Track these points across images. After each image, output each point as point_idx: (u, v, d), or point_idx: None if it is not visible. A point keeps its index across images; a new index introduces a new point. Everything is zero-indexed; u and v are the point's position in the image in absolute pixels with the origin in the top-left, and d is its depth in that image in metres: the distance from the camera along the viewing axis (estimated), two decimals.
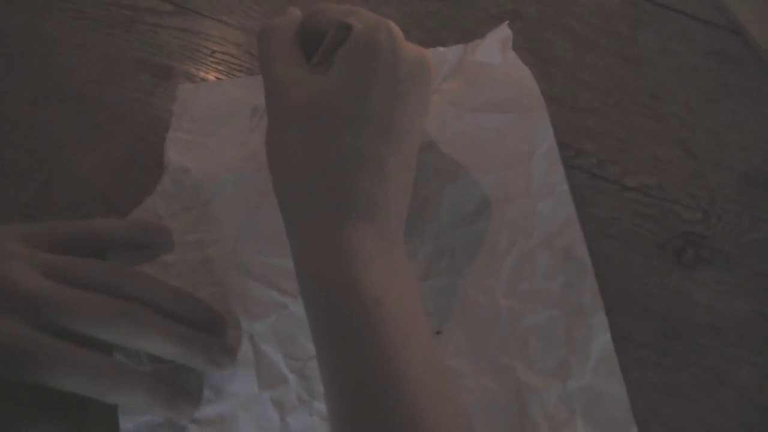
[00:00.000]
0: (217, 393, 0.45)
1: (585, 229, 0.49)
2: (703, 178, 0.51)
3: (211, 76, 0.53)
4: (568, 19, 0.56)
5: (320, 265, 0.39)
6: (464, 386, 0.45)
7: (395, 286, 0.39)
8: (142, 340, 0.43)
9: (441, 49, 0.54)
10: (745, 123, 0.53)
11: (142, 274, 0.45)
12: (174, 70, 0.53)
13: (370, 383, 0.36)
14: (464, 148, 0.51)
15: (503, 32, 0.52)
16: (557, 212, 0.49)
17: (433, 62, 0.45)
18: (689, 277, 0.49)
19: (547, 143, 0.51)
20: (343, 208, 0.40)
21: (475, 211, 0.49)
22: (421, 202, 0.49)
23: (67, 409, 0.44)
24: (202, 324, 0.45)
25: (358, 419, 0.36)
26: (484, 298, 0.47)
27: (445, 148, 0.51)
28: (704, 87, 0.54)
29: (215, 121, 0.52)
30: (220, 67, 0.54)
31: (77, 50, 0.54)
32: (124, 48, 0.54)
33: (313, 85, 0.42)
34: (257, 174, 0.50)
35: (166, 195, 0.50)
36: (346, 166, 0.40)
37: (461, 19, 0.56)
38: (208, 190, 0.50)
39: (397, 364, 0.37)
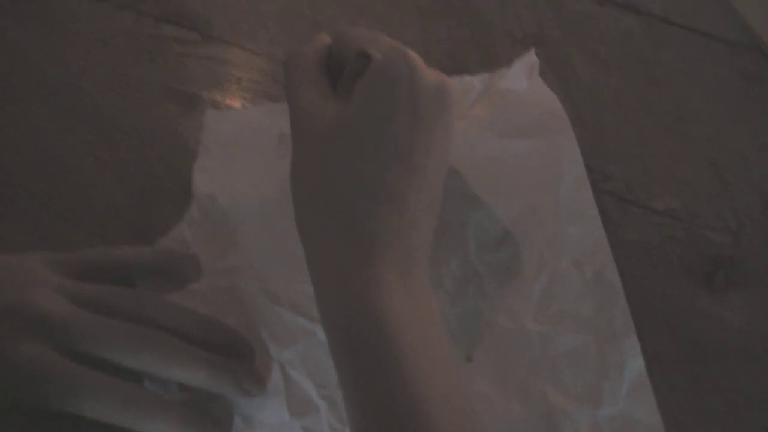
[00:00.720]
0: (248, 422, 0.45)
1: (613, 252, 0.49)
2: (730, 200, 0.51)
3: (236, 104, 0.54)
4: (591, 42, 0.56)
5: (341, 298, 0.39)
6: (492, 411, 0.45)
7: (417, 318, 0.39)
8: (170, 367, 0.43)
9: (467, 77, 0.54)
10: None
11: (170, 302, 0.45)
12: (200, 99, 0.54)
13: (390, 416, 0.36)
14: (491, 173, 0.51)
15: (530, 59, 0.52)
16: (587, 236, 0.49)
17: (455, 88, 0.44)
18: (719, 300, 0.48)
19: (575, 168, 0.51)
20: (364, 240, 0.40)
21: (502, 236, 0.49)
22: (447, 227, 0.49)
23: None
24: (231, 351, 0.45)
25: None
26: (513, 322, 0.47)
27: (473, 173, 0.51)
28: (730, 108, 0.54)
29: (242, 148, 0.52)
30: (246, 95, 0.54)
31: (102, 79, 0.54)
32: (149, 77, 0.54)
33: (335, 115, 0.42)
34: (284, 201, 0.50)
35: (194, 223, 0.50)
36: (366, 198, 0.40)
37: (485, 44, 0.56)
38: (236, 218, 0.50)
39: (419, 398, 0.36)
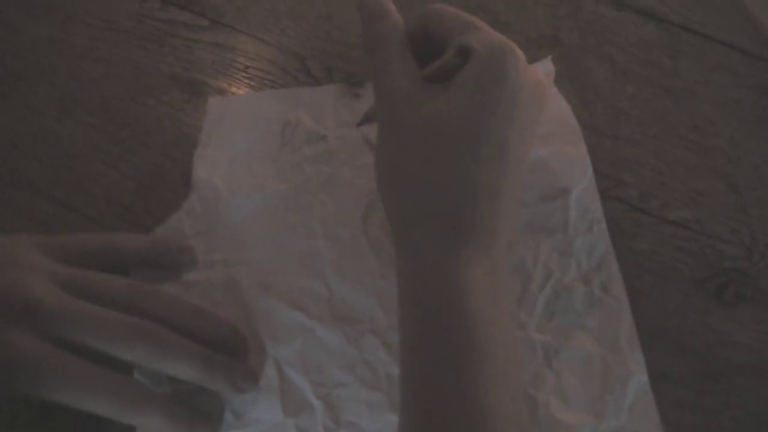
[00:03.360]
0: (239, 418, 0.44)
1: (623, 262, 0.47)
2: (745, 214, 0.50)
3: (242, 92, 0.52)
4: (609, 47, 0.55)
5: (433, 292, 0.39)
6: None
7: (500, 320, 0.39)
8: (161, 360, 0.41)
9: None
10: None
11: (164, 293, 0.44)
12: (206, 86, 0.52)
13: (461, 414, 0.36)
14: None
15: (546, 67, 0.51)
16: (595, 249, 0.48)
17: (548, 88, 0.44)
18: (730, 316, 0.47)
19: (586, 180, 0.49)
20: (459, 235, 0.40)
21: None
22: None
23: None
24: (225, 345, 0.44)
25: None
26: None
27: None
28: (747, 120, 0.53)
29: (245, 136, 0.50)
30: (253, 83, 0.53)
31: (106, 63, 0.53)
32: (155, 62, 0.53)
33: (434, 105, 0.41)
34: (288, 192, 0.49)
35: (193, 213, 0.48)
36: (465, 192, 0.40)
37: None
38: (236, 209, 0.49)
39: (491, 399, 0.36)
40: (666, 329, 0.47)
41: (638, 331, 0.46)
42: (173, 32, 0.54)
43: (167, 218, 0.48)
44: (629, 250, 0.49)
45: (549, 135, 0.50)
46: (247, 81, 0.53)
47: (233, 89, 0.52)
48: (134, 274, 0.47)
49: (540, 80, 0.44)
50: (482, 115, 0.40)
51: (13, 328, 0.40)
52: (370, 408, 0.44)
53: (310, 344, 0.45)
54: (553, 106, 0.51)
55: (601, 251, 0.48)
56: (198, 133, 0.50)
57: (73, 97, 0.52)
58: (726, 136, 0.52)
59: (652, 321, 0.47)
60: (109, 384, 0.40)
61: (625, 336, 0.46)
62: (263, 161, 0.50)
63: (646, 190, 0.50)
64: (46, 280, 0.42)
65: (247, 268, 0.47)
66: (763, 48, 0.55)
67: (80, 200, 0.49)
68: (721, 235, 0.49)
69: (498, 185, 0.41)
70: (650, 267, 0.48)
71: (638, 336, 0.46)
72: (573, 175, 0.50)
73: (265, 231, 0.48)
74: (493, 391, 0.37)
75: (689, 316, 0.47)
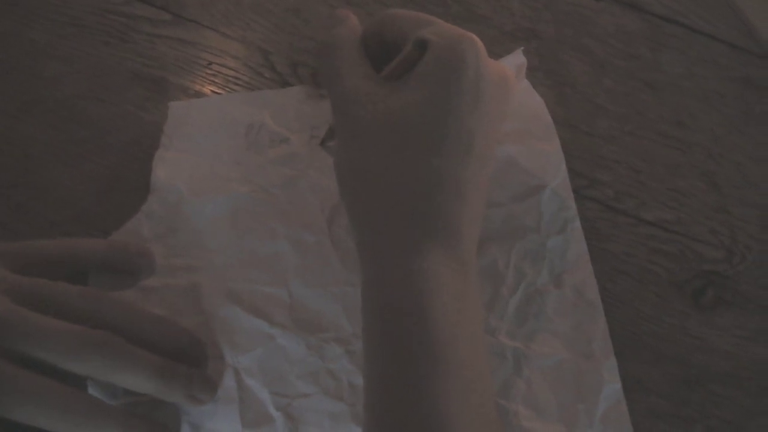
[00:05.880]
0: (197, 430, 0.43)
1: (597, 265, 0.46)
2: (726, 214, 0.48)
3: (206, 90, 0.51)
4: (587, 39, 0.53)
5: (393, 293, 0.38)
6: None
7: (466, 320, 0.38)
8: (114, 372, 0.40)
9: None
10: None
11: (119, 301, 0.43)
12: (168, 83, 0.51)
13: (421, 425, 0.35)
14: None
15: (517, 59, 0.48)
16: (569, 250, 0.46)
17: (514, 79, 0.43)
18: (707, 321, 0.46)
19: (559, 177, 0.48)
20: (423, 232, 0.38)
21: (480, 246, 0.46)
22: None
23: None
24: (183, 355, 0.43)
25: None
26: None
27: None
28: (730, 115, 0.51)
29: (208, 139, 0.49)
30: (216, 80, 0.51)
31: (66, 59, 0.51)
32: (117, 58, 0.51)
33: (391, 101, 0.40)
34: (251, 195, 0.47)
35: (152, 216, 0.47)
36: (428, 188, 0.39)
37: None
38: (198, 211, 0.47)
39: (454, 408, 0.35)
40: (641, 335, 0.45)
41: (612, 336, 0.45)
42: (136, 27, 0.52)
43: (126, 222, 0.47)
44: (604, 252, 0.47)
45: (521, 131, 0.48)
46: (210, 78, 0.51)
47: (196, 86, 0.51)
48: (92, 280, 0.45)
49: (505, 73, 0.42)
50: (442, 106, 0.39)
51: None
52: (333, 419, 0.43)
53: (271, 353, 0.44)
54: (526, 102, 0.49)
55: (575, 252, 0.46)
56: (159, 133, 0.49)
57: (33, 96, 0.50)
58: (708, 131, 0.50)
59: (627, 326, 0.46)
60: (60, 399, 0.39)
61: (598, 342, 0.45)
62: (227, 164, 0.48)
63: (623, 189, 0.49)
64: None
65: (208, 273, 0.46)
66: (748, 40, 0.53)
67: (38, 203, 0.48)
68: (701, 236, 0.48)
69: (463, 179, 0.39)
70: (625, 270, 0.47)
71: (612, 342, 0.45)
72: (546, 173, 0.48)
73: (227, 235, 0.47)
74: (457, 400, 0.35)
75: (665, 321, 0.46)
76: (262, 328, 0.45)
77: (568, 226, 0.47)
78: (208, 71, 0.51)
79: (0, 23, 0.52)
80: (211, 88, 0.51)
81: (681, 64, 0.52)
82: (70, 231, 0.47)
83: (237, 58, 0.51)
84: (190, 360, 0.43)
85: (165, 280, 0.46)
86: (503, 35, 0.53)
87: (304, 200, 0.47)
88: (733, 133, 0.50)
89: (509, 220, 0.47)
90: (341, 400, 0.43)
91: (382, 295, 0.38)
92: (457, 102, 0.39)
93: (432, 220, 0.38)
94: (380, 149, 0.39)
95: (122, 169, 0.48)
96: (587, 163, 0.49)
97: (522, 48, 0.49)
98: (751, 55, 0.53)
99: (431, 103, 0.39)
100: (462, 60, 0.39)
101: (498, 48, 0.52)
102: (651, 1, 0.54)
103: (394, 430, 0.36)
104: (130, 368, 0.40)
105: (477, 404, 0.36)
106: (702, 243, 0.47)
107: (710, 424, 0.43)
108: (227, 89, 0.51)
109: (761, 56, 0.53)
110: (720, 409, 0.44)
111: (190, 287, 0.46)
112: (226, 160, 0.48)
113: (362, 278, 0.40)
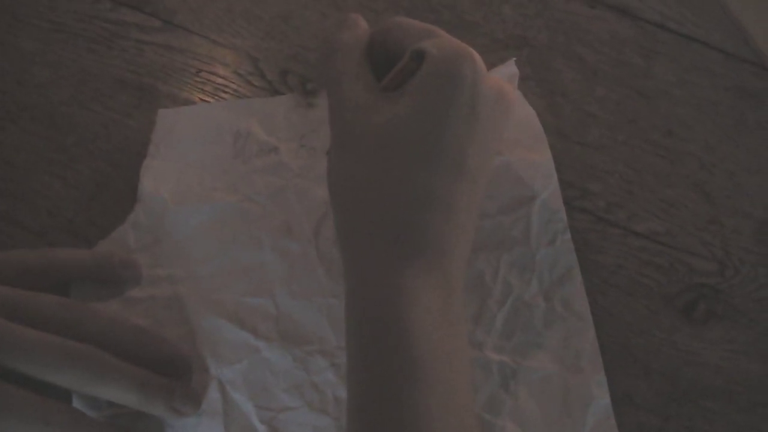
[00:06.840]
0: None
1: (587, 277, 0.45)
2: (718, 225, 0.48)
3: (195, 97, 0.50)
4: (579, 47, 0.52)
5: (371, 307, 0.37)
6: None
7: (449, 339, 0.37)
8: (96, 385, 0.40)
9: None
10: (766, 165, 0.49)
11: (102, 312, 0.42)
12: (156, 90, 0.50)
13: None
14: None
15: (509, 69, 0.48)
16: (558, 262, 0.45)
17: (514, 96, 0.42)
18: (698, 334, 0.45)
19: (550, 188, 0.47)
20: (410, 249, 0.37)
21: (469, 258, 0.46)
22: None
23: None
24: (166, 367, 0.42)
25: None
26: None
27: None
28: (724, 124, 0.50)
29: (196, 147, 0.48)
30: (205, 88, 0.50)
31: (53, 66, 0.50)
32: (104, 65, 0.51)
33: (385, 113, 0.39)
34: (238, 205, 0.47)
35: (138, 225, 0.46)
36: (417, 204, 0.38)
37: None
38: (184, 221, 0.46)
39: (436, 425, 0.35)
40: (631, 349, 0.45)
41: (601, 350, 0.44)
42: (123, 34, 0.51)
43: (112, 231, 0.46)
44: (594, 264, 0.47)
45: (511, 141, 0.48)
46: (199, 86, 0.50)
47: (185, 94, 0.50)
48: (75, 290, 0.45)
49: (504, 89, 0.41)
50: (434, 121, 0.38)
51: None
52: None
53: (255, 365, 0.44)
54: (517, 111, 0.49)
55: (565, 265, 0.46)
56: (146, 141, 0.48)
57: (17, 103, 0.50)
58: (700, 141, 0.50)
59: (617, 340, 0.45)
60: (42, 412, 0.39)
61: (587, 356, 0.44)
62: (214, 173, 0.48)
63: (614, 200, 0.48)
64: None
65: (193, 284, 0.45)
66: (743, 47, 0.52)
67: (22, 213, 0.47)
68: (692, 248, 0.47)
69: (453, 197, 0.38)
70: (615, 282, 0.46)
71: (601, 356, 0.44)
72: (536, 183, 0.47)
73: (213, 245, 0.46)
74: (439, 417, 0.35)
75: (656, 334, 0.45)
76: (248, 340, 0.44)
77: (558, 238, 0.46)
78: (198, 79, 0.51)
79: None
80: (200, 96, 0.50)
81: (674, 72, 0.52)
82: (55, 240, 0.47)
83: (226, 66, 0.51)
84: (174, 372, 0.42)
85: (149, 291, 0.45)
86: (494, 43, 0.52)
87: (289, 210, 0.47)
88: (726, 142, 0.50)
89: (497, 231, 0.46)
90: (326, 414, 0.43)
91: (360, 308, 0.38)
92: (449, 118, 0.38)
93: (416, 235, 0.38)
94: (371, 161, 0.39)
95: (108, 177, 0.48)
96: (578, 174, 0.49)
97: (514, 58, 0.48)
98: (745, 63, 0.52)
99: (422, 117, 0.38)
100: (458, 75, 0.38)
101: (490, 57, 0.51)
102: (645, 7, 0.53)
103: None
104: (111, 381, 0.40)
105: (459, 422, 0.36)
106: (693, 255, 0.47)
107: None
108: (216, 97, 0.50)
109: (756, 65, 0.52)
110: (710, 425, 0.43)
111: (175, 298, 0.45)
112: (214, 169, 0.48)
113: (345, 289, 0.39)
